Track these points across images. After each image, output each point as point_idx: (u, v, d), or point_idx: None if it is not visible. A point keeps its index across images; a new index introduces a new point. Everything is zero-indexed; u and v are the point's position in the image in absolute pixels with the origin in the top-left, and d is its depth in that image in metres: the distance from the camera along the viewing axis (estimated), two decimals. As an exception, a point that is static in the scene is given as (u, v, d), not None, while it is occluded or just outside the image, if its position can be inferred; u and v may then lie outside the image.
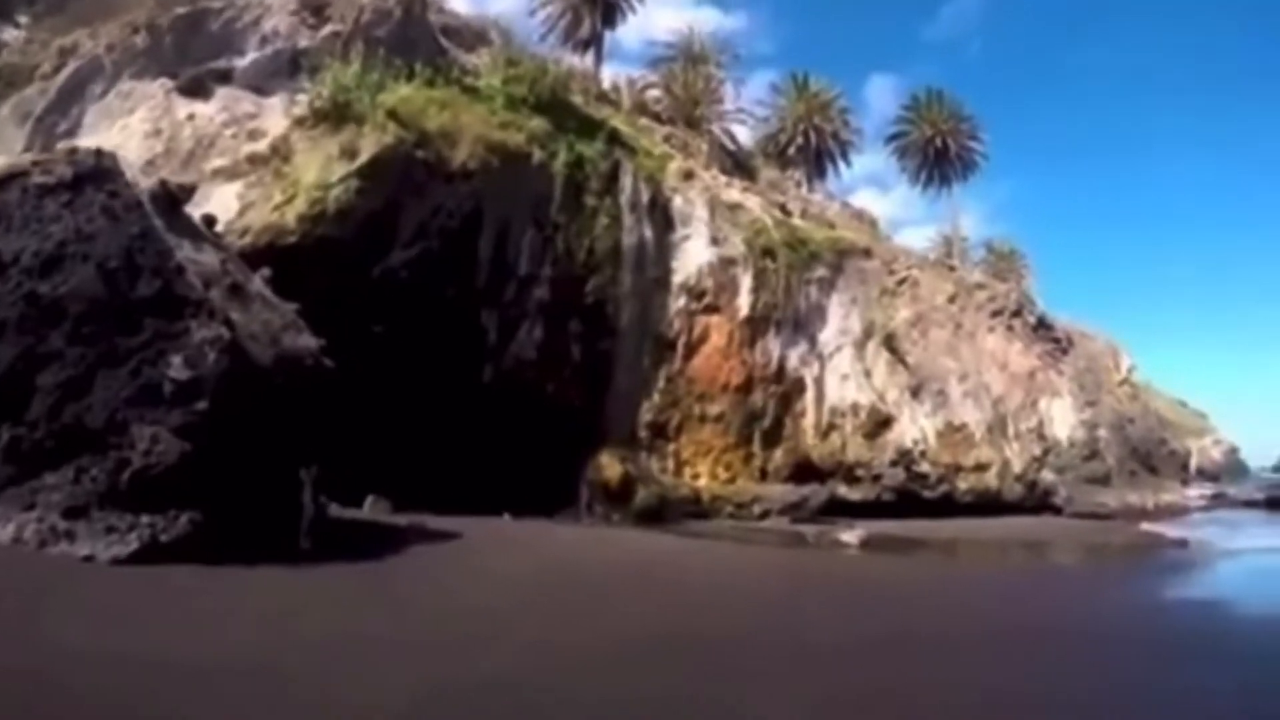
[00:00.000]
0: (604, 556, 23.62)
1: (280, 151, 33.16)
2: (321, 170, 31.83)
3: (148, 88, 33.66)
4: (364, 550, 19.29)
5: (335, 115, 33.35)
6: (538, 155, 37.58)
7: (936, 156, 70.04)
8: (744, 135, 66.34)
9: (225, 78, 35.12)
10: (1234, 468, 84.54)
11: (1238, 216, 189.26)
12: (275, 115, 34.94)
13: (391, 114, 33.80)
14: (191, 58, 34.54)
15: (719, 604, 16.77)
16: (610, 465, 36.49)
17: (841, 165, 70.16)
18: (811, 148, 66.59)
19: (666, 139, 52.56)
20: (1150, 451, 66.50)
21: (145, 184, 20.82)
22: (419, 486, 30.51)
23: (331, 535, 20.94)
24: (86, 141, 26.73)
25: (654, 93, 63.15)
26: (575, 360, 37.61)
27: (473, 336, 35.04)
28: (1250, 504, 58.42)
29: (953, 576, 25.07)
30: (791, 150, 66.77)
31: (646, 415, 39.83)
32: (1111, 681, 11.46)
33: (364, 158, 32.05)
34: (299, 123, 34.01)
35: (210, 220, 22.73)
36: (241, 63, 35.48)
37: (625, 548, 26.57)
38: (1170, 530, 39.98)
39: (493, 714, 9.05)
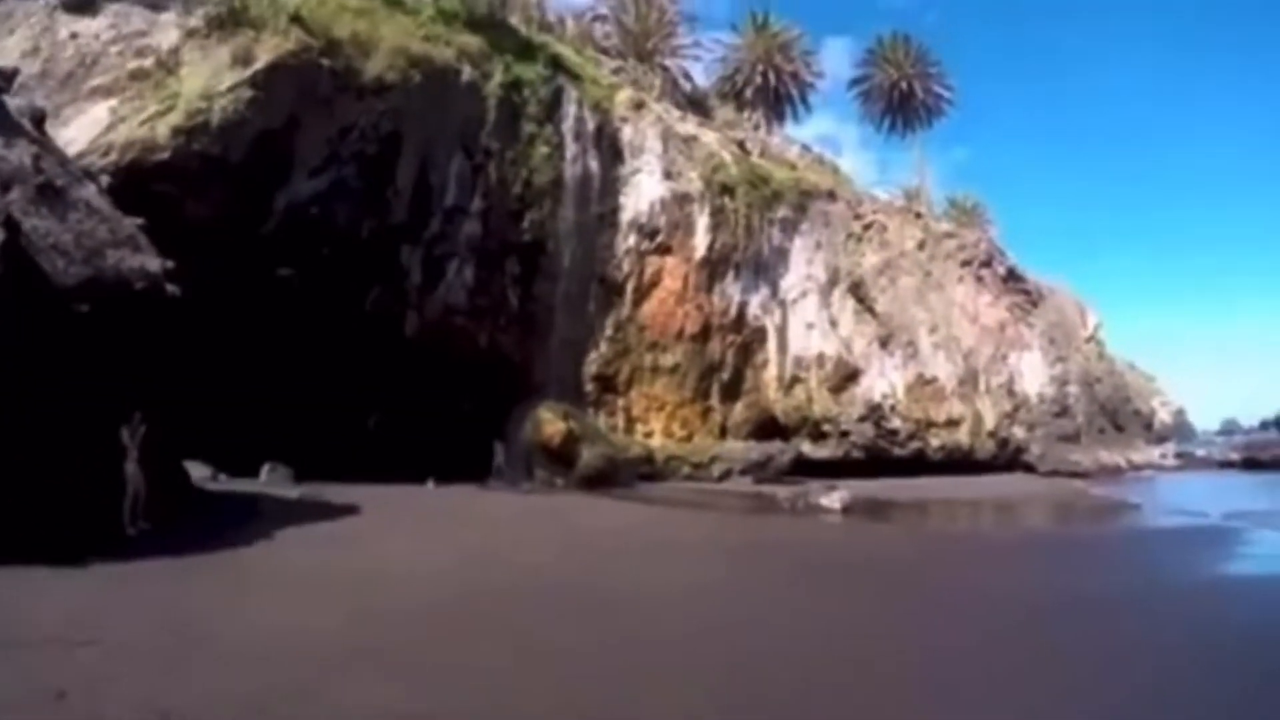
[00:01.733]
0: (537, 542, 18.41)
1: (166, 65, 28.05)
2: (208, 80, 26.76)
3: (29, 7, 28.52)
4: (216, 536, 14.63)
5: (231, 22, 28.28)
6: (468, 74, 32.73)
7: (901, 101, 65.54)
8: (699, 76, 61.63)
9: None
10: (1182, 429, 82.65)
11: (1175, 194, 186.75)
12: (168, 30, 29.77)
13: (295, 19, 28.77)
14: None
15: (700, 623, 11.62)
16: (551, 423, 32.08)
17: (801, 110, 65.38)
18: (770, 89, 61.79)
19: (615, 72, 47.76)
20: (1117, 409, 63.70)
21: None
22: (331, 452, 26.23)
23: (187, 515, 16.57)
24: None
25: (603, 28, 58.03)
26: (511, 306, 33.09)
27: (394, 280, 30.36)
28: (1226, 464, 55.48)
29: (964, 554, 20.63)
30: (749, 92, 61.88)
31: (592, 367, 35.47)
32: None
33: (259, 65, 27.08)
34: (191, 34, 28.91)
35: (39, 115, 17.87)
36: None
37: (566, 523, 21.79)
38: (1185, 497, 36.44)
39: None
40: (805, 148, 60.47)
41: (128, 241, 15.98)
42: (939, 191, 67.91)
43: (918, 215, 55.57)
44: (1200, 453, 64.34)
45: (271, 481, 25.03)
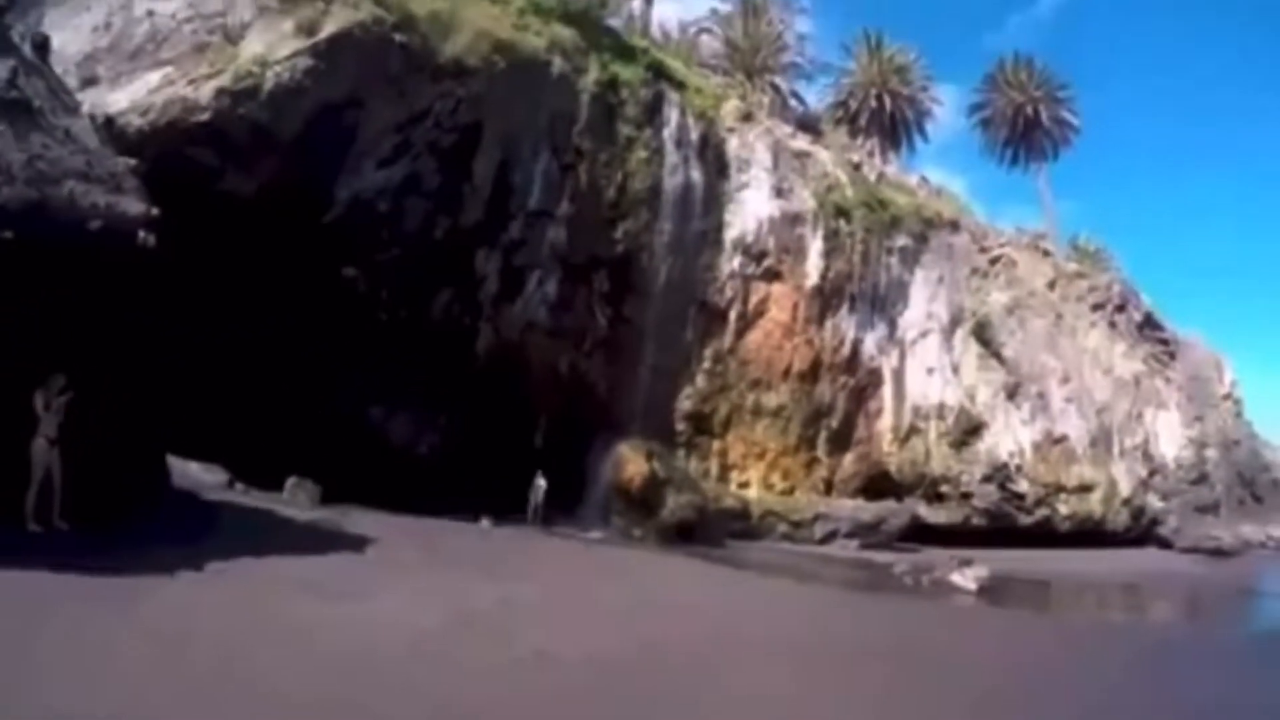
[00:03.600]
0: (579, 617, 13.01)
1: (231, 36, 24.92)
2: (267, 47, 23.41)
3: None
4: (137, 556, 10.64)
5: (305, -5, 24.89)
6: (559, 65, 28.65)
7: (1026, 127, 59.76)
8: (810, 100, 56.94)
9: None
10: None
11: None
12: (245, 6, 26.85)
13: None
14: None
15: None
16: (633, 462, 27.41)
17: (918, 141, 60.26)
18: (885, 114, 56.79)
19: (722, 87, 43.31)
20: (1255, 478, 56.44)
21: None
22: (378, 476, 22.56)
23: (139, 520, 12.37)
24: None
25: (710, 43, 53.85)
26: (598, 327, 28.65)
27: (467, 288, 26.32)
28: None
29: (1189, 667, 15.18)
30: (863, 118, 56.81)
31: (686, 403, 30.67)
32: None
33: (323, 34, 23.47)
34: (263, 10, 25.68)
35: (40, 40, 14.57)
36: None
37: (630, 590, 16.42)
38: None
39: None
40: (923, 178, 55.17)
41: (106, 179, 12.31)
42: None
43: (1045, 253, 49.75)
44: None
45: (292, 499, 21.19)
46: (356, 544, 15.56)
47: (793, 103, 52.43)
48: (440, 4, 26.67)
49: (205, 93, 21.38)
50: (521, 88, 26.98)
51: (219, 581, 10.92)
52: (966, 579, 23.53)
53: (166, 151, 19.71)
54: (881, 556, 29.24)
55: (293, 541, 14.37)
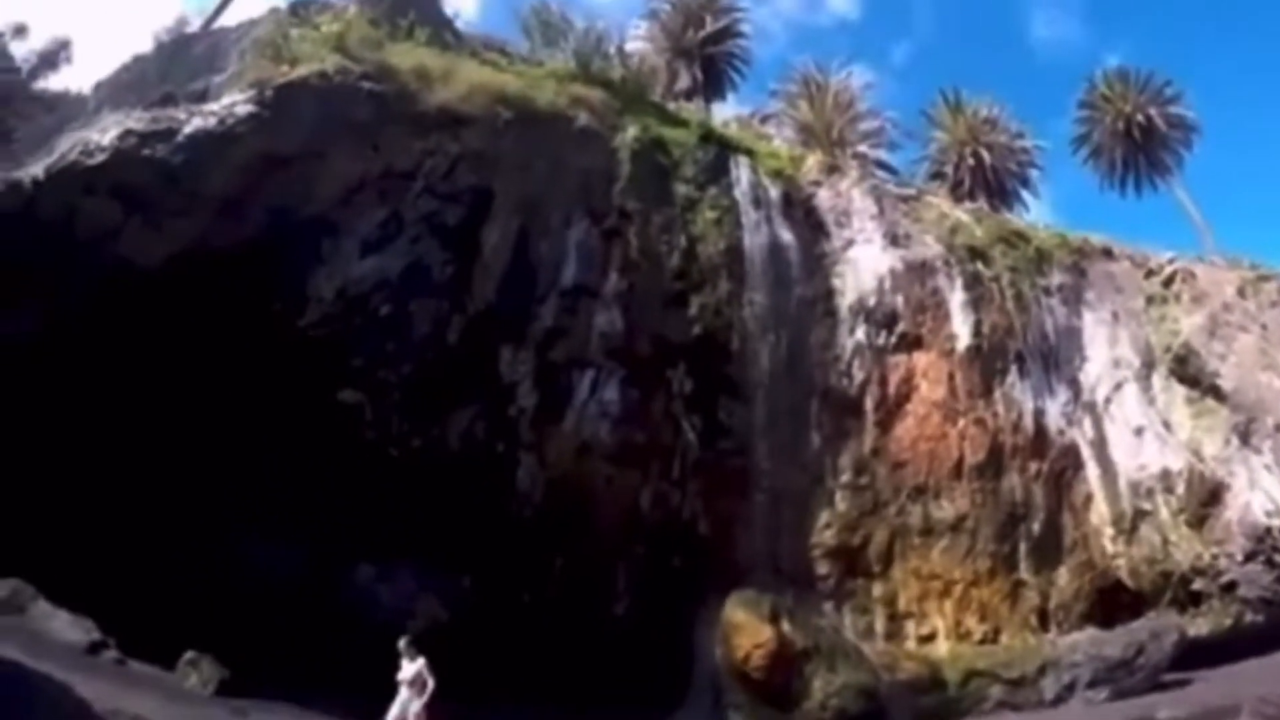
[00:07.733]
0: None
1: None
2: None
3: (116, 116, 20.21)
4: None
5: (272, 57, 17.68)
6: (586, 120, 20.12)
7: (1144, 137, 47.96)
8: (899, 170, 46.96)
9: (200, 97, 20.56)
10: None
11: None
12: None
13: (339, 47, 17.57)
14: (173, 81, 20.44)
15: None
16: (748, 630, 17.12)
17: (1030, 189, 48.94)
18: (987, 168, 46.19)
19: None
20: None
21: None
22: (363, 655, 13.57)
23: None
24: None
25: (778, 131, 44.92)
26: (687, 443, 18.85)
27: (494, 403, 17.28)
28: None
29: None
30: (965, 181, 46.15)
31: (826, 534, 20.06)
32: None
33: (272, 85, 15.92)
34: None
35: None
36: (219, 79, 20.88)
37: None
38: None
39: None
40: (1048, 227, 43.90)
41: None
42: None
43: (1214, 264, 37.61)
44: None
45: (181, 679, 13.60)
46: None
47: (881, 174, 42.67)
48: (431, 59, 18.75)
49: (111, 135, 15.03)
50: (538, 143, 18.60)
51: None
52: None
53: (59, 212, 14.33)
54: (1164, 708, 17.55)
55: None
